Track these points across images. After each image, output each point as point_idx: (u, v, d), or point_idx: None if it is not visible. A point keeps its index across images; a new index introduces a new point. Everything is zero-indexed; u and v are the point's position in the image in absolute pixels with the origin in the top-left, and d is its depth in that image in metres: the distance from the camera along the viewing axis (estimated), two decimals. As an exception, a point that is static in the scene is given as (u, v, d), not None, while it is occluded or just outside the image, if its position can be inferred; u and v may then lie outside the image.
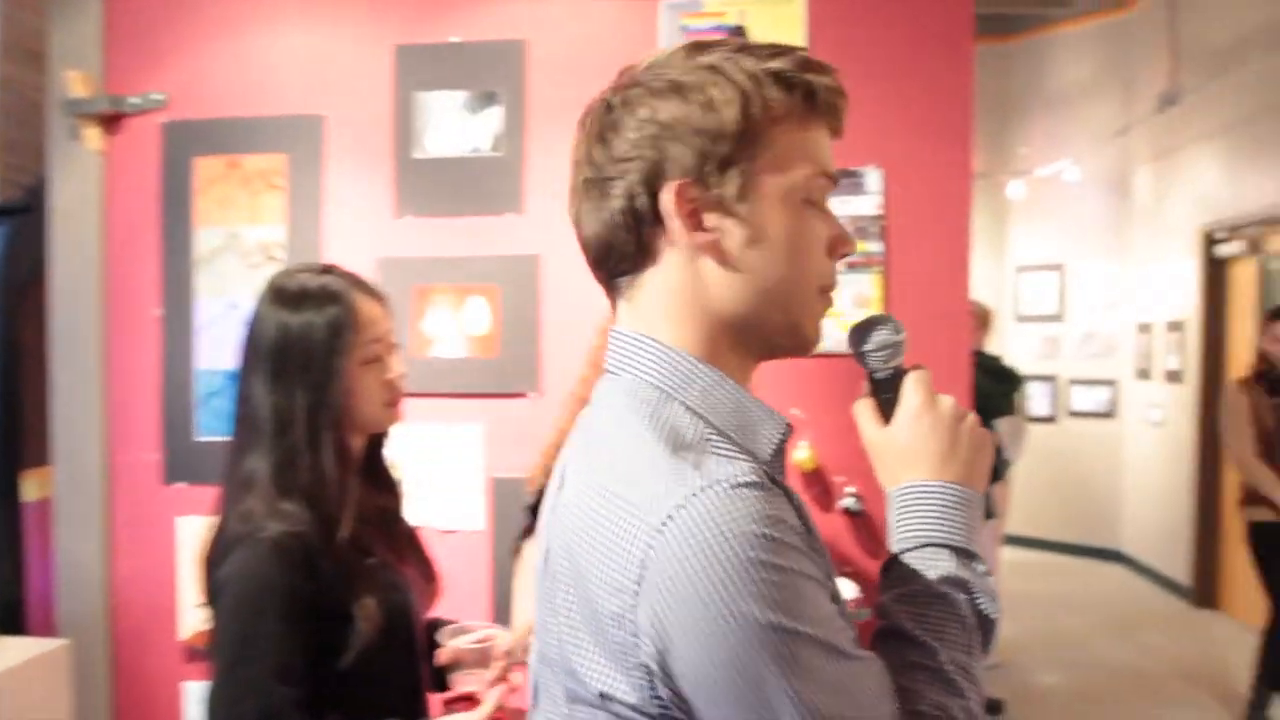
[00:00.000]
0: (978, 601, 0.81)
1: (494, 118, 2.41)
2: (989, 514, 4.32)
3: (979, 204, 7.58)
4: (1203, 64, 5.40)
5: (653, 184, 0.76)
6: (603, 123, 0.79)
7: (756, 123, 0.76)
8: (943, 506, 0.82)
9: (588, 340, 1.98)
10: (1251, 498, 3.86)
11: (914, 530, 0.82)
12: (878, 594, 0.83)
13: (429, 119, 2.43)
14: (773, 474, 0.77)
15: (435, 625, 1.59)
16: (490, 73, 2.41)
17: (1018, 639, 5.16)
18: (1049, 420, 7.09)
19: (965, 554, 0.81)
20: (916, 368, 0.87)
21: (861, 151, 2.33)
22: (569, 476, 0.80)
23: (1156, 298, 6.27)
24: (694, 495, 0.68)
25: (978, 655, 0.79)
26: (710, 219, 0.76)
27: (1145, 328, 6.44)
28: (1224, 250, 5.55)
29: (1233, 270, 5.65)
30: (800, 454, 2.31)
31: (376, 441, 1.57)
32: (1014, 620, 5.47)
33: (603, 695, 0.71)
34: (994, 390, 4.11)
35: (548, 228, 2.41)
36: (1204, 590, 5.69)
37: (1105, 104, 6.74)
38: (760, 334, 0.80)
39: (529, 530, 1.85)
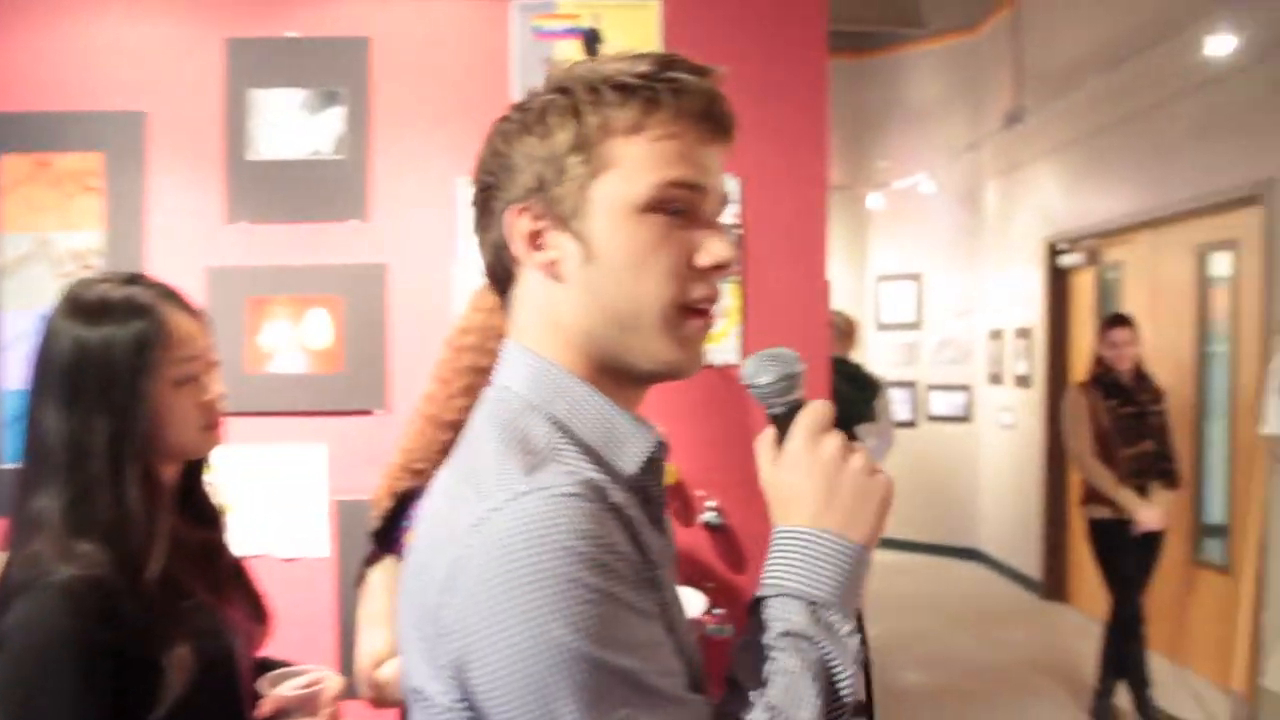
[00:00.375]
0: (830, 664, 0.73)
1: (336, 118, 2.28)
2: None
3: (840, 215, 7.78)
4: (1044, 85, 5.68)
5: (495, 206, 0.78)
6: (483, 149, 0.81)
7: (589, 138, 0.74)
8: (809, 556, 0.75)
9: (437, 354, 1.88)
10: (1091, 496, 4.06)
11: (776, 577, 0.76)
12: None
13: (264, 118, 2.28)
14: (647, 486, 0.77)
15: (266, 667, 1.46)
16: (331, 71, 2.28)
17: (881, 639, 5.27)
18: (909, 425, 7.31)
19: (826, 609, 0.74)
20: (811, 403, 0.81)
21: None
22: (434, 487, 0.79)
23: (1006, 306, 6.55)
24: (512, 500, 0.66)
25: (813, 715, 0.71)
26: (550, 239, 0.76)
27: (996, 334, 6.72)
28: (1066, 261, 5.84)
29: (1074, 279, 5.95)
30: (661, 467, 2.26)
31: (194, 469, 1.43)
32: (877, 621, 5.60)
33: (416, 690, 0.70)
34: (855, 397, 4.18)
35: (395, 235, 2.29)
36: (1053, 585, 5.96)
37: (957, 120, 7.01)
38: (615, 355, 0.77)
39: (374, 557, 1.73)
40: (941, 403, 7.23)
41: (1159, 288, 5.03)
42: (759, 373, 0.82)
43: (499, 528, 0.64)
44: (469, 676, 0.65)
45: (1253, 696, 3.97)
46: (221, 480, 1.48)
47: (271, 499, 2.26)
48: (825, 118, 2.38)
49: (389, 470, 1.79)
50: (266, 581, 1.53)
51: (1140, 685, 4.10)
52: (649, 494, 0.79)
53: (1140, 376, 4.08)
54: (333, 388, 2.26)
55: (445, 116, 2.31)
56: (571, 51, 2.32)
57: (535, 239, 0.76)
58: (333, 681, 1.43)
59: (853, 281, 7.52)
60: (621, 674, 0.63)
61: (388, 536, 1.67)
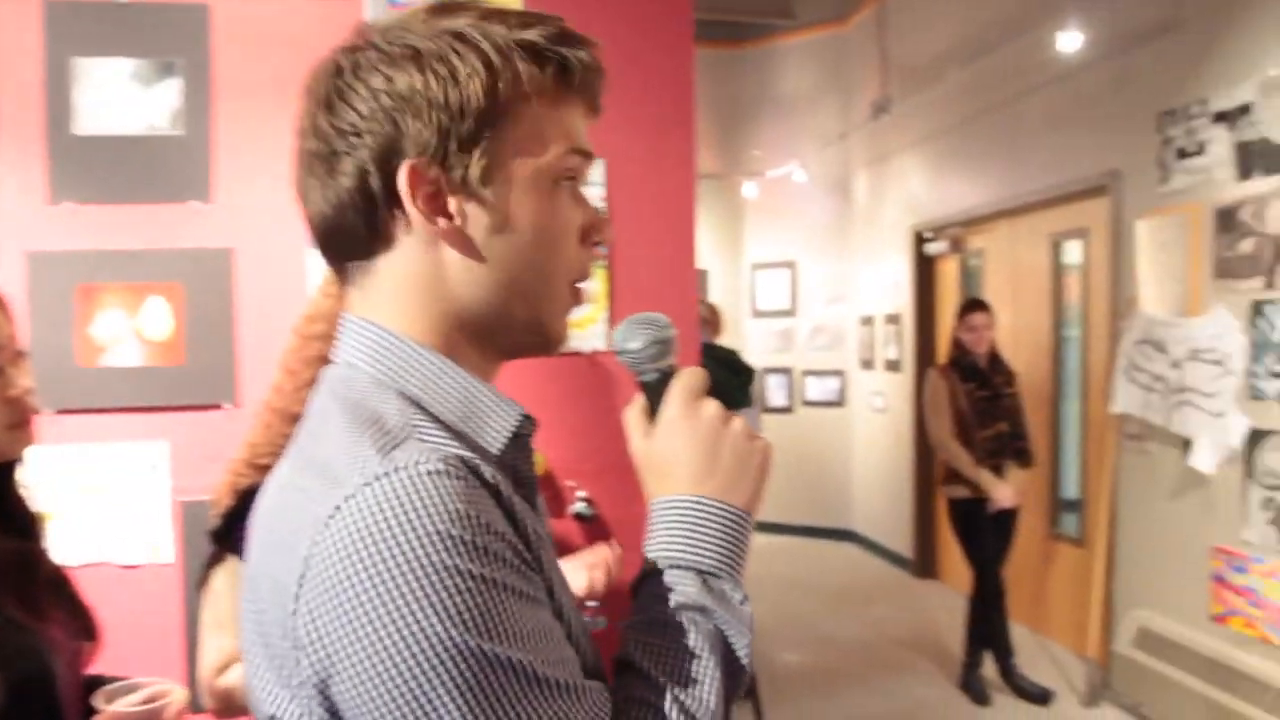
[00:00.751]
0: (725, 631, 0.71)
1: (172, 91, 2.12)
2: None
3: (716, 204, 7.84)
4: (909, 78, 5.84)
5: (388, 162, 0.67)
6: (330, 88, 0.69)
7: (504, 98, 0.68)
8: (694, 524, 0.73)
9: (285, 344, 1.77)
10: (950, 477, 4.22)
11: (661, 549, 0.73)
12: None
13: (90, 90, 2.10)
14: (516, 465, 0.71)
15: (96, 684, 1.34)
16: (167, 40, 2.12)
17: (760, 621, 5.34)
18: (786, 410, 7.44)
19: (715, 577, 0.72)
20: (687, 370, 0.78)
21: (584, 140, 2.25)
22: (269, 484, 0.70)
23: (876, 292, 6.73)
24: (368, 484, 0.58)
25: (714, 690, 0.68)
26: (452, 203, 0.69)
27: (867, 320, 6.89)
28: (931, 248, 6.03)
29: (939, 266, 6.15)
30: (530, 457, 2.20)
31: (3, 472, 1.30)
32: (756, 603, 5.67)
33: (271, 719, 0.62)
34: (730, 382, 4.20)
35: (242, 218, 2.15)
36: (924, 563, 6.17)
37: (827, 111, 7.15)
38: (504, 330, 0.72)
39: (215, 558, 1.62)
40: (816, 388, 7.39)
41: (1018, 274, 5.25)
42: (630, 338, 0.79)
43: (355, 517, 0.57)
44: (334, 692, 0.58)
45: (1106, 661, 4.19)
46: (38, 483, 1.35)
47: (109, 502, 2.09)
48: (692, 98, 2.35)
49: (232, 466, 1.68)
50: (105, 591, 1.41)
51: (1004, 655, 4.28)
52: (519, 474, 0.73)
53: (994, 360, 4.26)
54: (173, 381, 2.11)
55: (294, 91, 2.17)
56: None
57: (434, 202, 0.68)
58: (177, 695, 1.33)
59: (729, 269, 7.60)
60: (509, 666, 0.57)
61: (230, 536, 1.56)
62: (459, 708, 0.56)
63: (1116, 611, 4.21)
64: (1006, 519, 4.20)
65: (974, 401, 4.16)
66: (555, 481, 2.24)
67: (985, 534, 4.20)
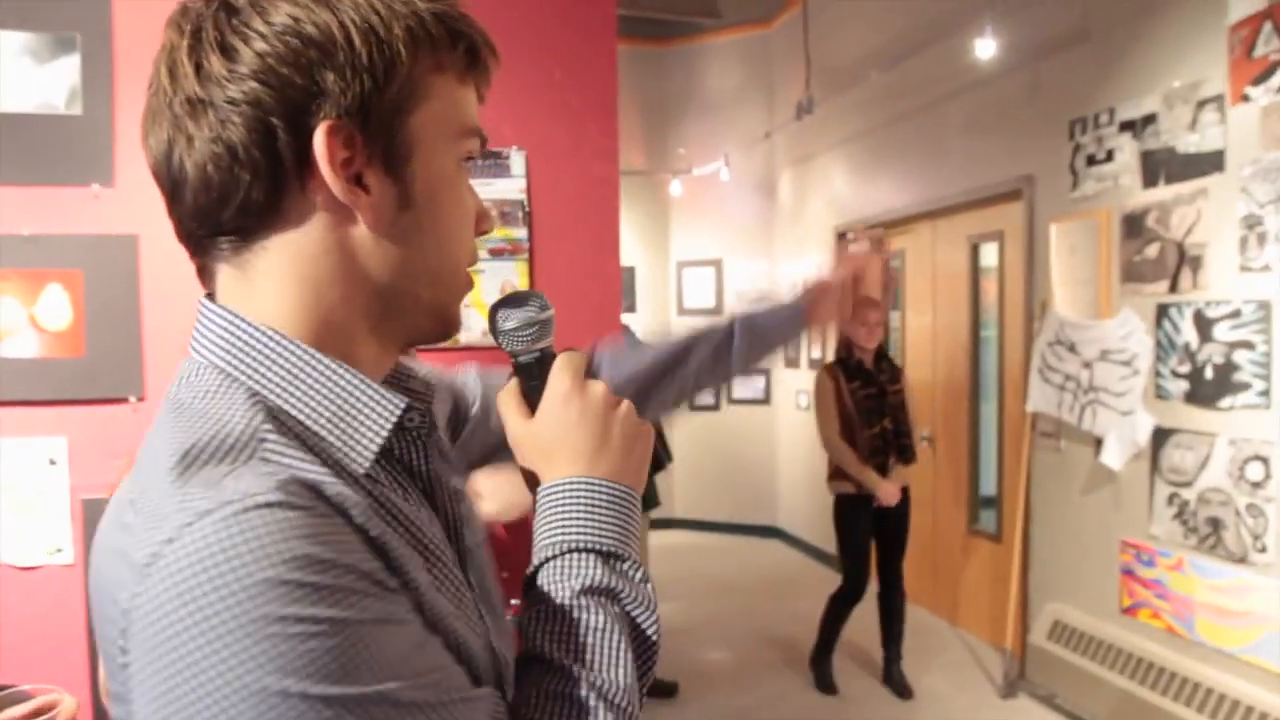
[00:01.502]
0: (632, 612, 0.68)
1: (69, 68, 2.02)
2: (652, 502, 4.42)
3: (642, 201, 7.79)
4: (832, 79, 5.92)
5: (300, 118, 0.59)
6: (221, 24, 0.59)
7: (424, 68, 0.63)
8: (590, 505, 0.70)
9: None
10: (835, 474, 4.31)
11: (557, 534, 0.69)
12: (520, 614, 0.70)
13: (-20, 66, 1.99)
14: (407, 460, 0.67)
15: None
16: (64, 12, 2.02)
17: (688, 620, 5.35)
18: (713, 409, 7.48)
19: (618, 559, 0.69)
20: (568, 350, 0.75)
21: (504, 131, 2.21)
22: (107, 509, 0.62)
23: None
24: (189, 525, 0.50)
25: (630, 676, 0.66)
26: (369, 175, 0.62)
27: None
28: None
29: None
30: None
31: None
32: (684, 600, 5.69)
33: None
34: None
35: (147, 202, 2.05)
36: (845, 558, 6.25)
37: (752, 110, 7.21)
38: (408, 314, 0.67)
39: None
40: (742, 386, 7.44)
41: (938, 275, 5.35)
42: (506, 318, 0.75)
43: (173, 566, 0.49)
44: None
45: (1022, 653, 4.30)
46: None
47: (4, 500, 1.98)
48: (614, 90, 2.33)
49: (128, 463, 1.58)
50: (2, 594, 1.32)
51: (895, 651, 4.36)
52: (411, 468, 0.69)
53: (880, 357, 4.34)
54: (73, 373, 2.01)
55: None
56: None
57: (348, 170, 0.61)
58: (66, 704, 1.26)
59: (655, 267, 7.60)
60: (368, 701, 0.51)
61: None
62: None
63: (1032, 604, 4.32)
64: (896, 515, 4.29)
65: (859, 400, 4.23)
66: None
67: (864, 530, 4.31)
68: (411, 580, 0.59)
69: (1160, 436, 3.55)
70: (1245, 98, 3.18)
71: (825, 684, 4.33)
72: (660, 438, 4.53)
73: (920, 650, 4.59)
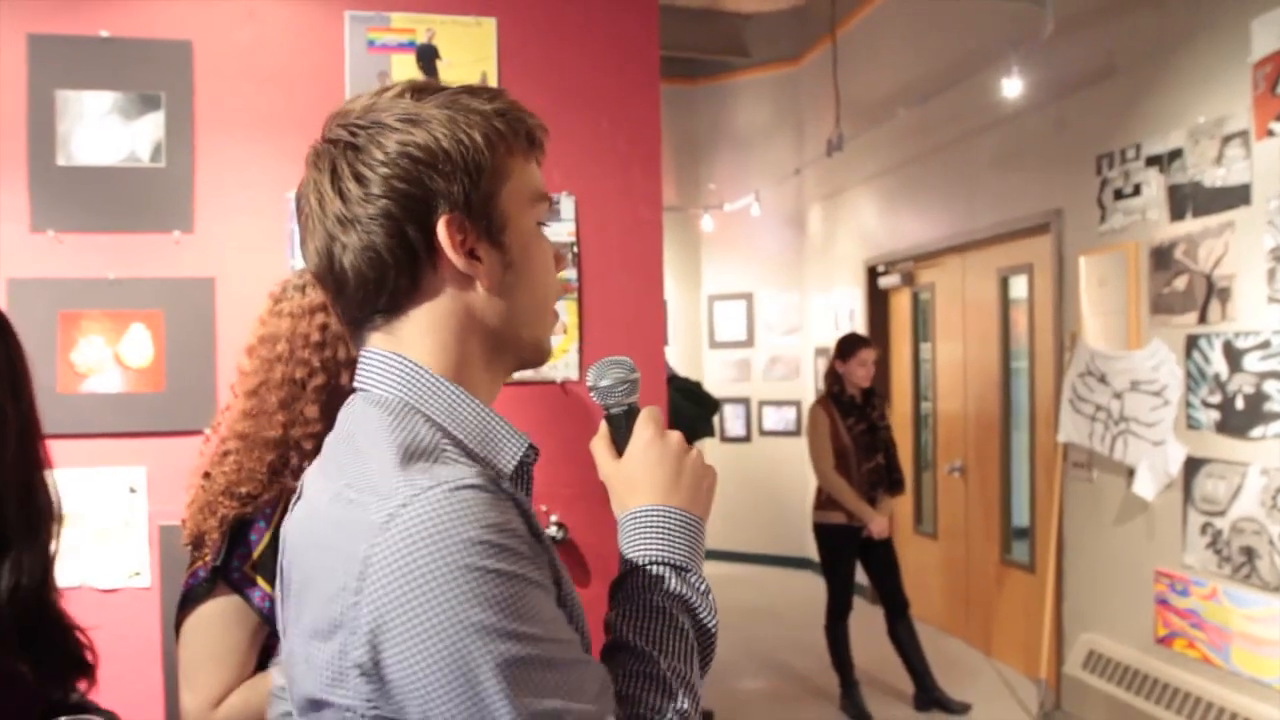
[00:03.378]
0: (699, 615, 0.86)
1: (154, 124, 2.17)
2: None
3: (674, 236, 7.89)
4: (861, 116, 6.04)
5: (424, 219, 0.78)
6: (350, 159, 0.78)
7: (500, 157, 0.80)
8: (666, 529, 0.87)
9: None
10: (824, 503, 4.40)
11: (639, 550, 0.87)
12: (608, 611, 0.87)
13: (72, 122, 2.14)
14: (511, 488, 0.80)
15: (57, 711, 1.34)
16: (150, 74, 2.17)
17: (723, 651, 5.34)
18: (744, 440, 7.54)
19: (687, 571, 0.87)
20: (648, 407, 0.93)
21: (554, 178, 2.33)
22: (306, 488, 0.82)
23: (831, 324, 6.88)
24: (417, 495, 0.69)
25: (695, 663, 0.84)
26: (480, 249, 0.80)
27: (823, 351, 7.03)
28: (884, 282, 6.20)
29: (892, 299, 6.33)
30: (504, 482, 2.26)
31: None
32: (719, 631, 5.73)
33: (313, 703, 0.72)
34: (694, 414, 4.30)
35: (223, 248, 2.20)
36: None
37: (782, 146, 7.34)
38: (513, 350, 0.85)
39: (208, 591, 1.60)
40: (773, 418, 7.50)
41: (967, 308, 5.42)
42: (603, 376, 0.93)
43: (408, 523, 0.68)
44: (386, 670, 0.68)
45: (1056, 682, 4.31)
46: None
47: (88, 526, 2.11)
48: (657, 136, 2.45)
49: (202, 496, 1.64)
50: (83, 616, 1.41)
51: (921, 674, 4.44)
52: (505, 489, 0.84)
53: (868, 393, 4.44)
54: (153, 407, 2.14)
55: (275, 126, 2.24)
56: (407, 67, 2.30)
57: (465, 248, 0.79)
58: None
59: (687, 301, 7.71)
60: (532, 643, 0.69)
61: (227, 569, 1.56)
62: (495, 677, 0.67)
63: (1066, 635, 4.34)
64: (880, 544, 4.39)
65: (855, 435, 4.35)
66: (529, 506, 2.30)
67: (852, 558, 4.43)
68: (552, 559, 0.77)
69: (1192, 466, 3.59)
70: (1270, 133, 3.25)
71: (858, 713, 4.37)
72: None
73: (955, 681, 4.61)
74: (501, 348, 0.84)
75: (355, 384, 0.84)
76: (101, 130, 2.14)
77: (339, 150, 0.79)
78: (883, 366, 6.32)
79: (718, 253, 7.71)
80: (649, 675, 0.80)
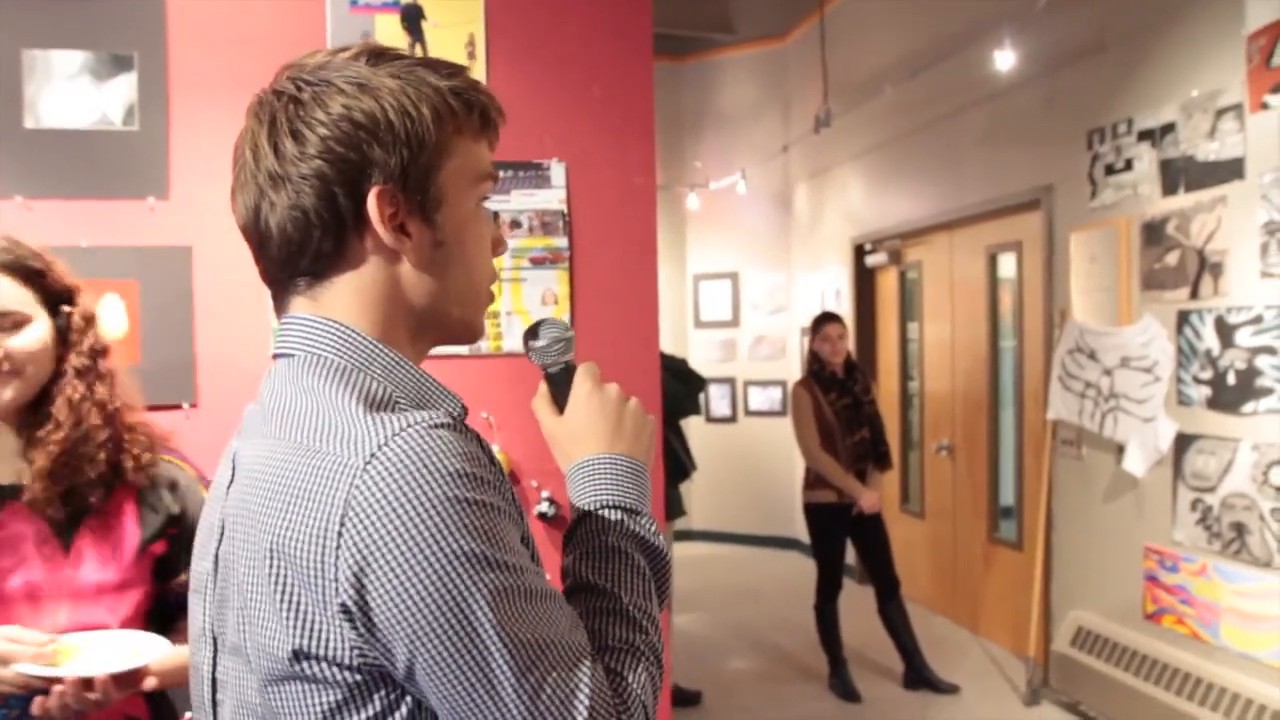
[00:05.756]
0: (653, 553, 0.88)
1: (127, 85, 2.08)
2: (677, 512, 4.47)
3: (660, 214, 7.84)
4: (848, 92, 5.98)
5: (356, 186, 0.77)
6: (290, 114, 0.78)
7: (447, 134, 0.80)
8: (613, 475, 0.90)
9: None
10: (814, 483, 4.39)
11: (590, 496, 0.89)
12: (563, 558, 0.89)
13: (40, 83, 2.05)
14: None
15: None
16: (121, 33, 2.08)
17: (711, 631, 5.38)
18: (730, 420, 7.51)
19: (638, 514, 0.89)
20: (585, 364, 0.95)
21: (546, 144, 2.26)
22: (241, 462, 0.80)
23: (817, 303, 6.85)
24: (396, 434, 0.70)
25: (655, 600, 0.86)
26: (410, 224, 0.79)
27: (808, 331, 7.00)
28: (871, 260, 6.17)
29: (879, 278, 6.29)
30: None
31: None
32: (706, 611, 5.71)
33: (297, 654, 0.71)
34: (681, 392, 4.25)
35: (201, 215, 2.12)
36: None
37: (768, 124, 7.28)
38: (441, 327, 0.85)
39: None
40: (759, 398, 7.47)
41: (955, 286, 5.39)
42: (537, 336, 0.95)
43: (390, 460, 0.69)
44: (373, 608, 0.68)
45: (1045, 660, 4.31)
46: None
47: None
48: (650, 103, 2.39)
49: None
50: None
51: (910, 653, 4.42)
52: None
53: (851, 368, 4.43)
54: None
55: (254, 88, 2.14)
56: (392, 28, 2.22)
57: (394, 222, 0.79)
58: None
59: (672, 280, 7.65)
60: (514, 573, 0.71)
61: None
62: (484, 605, 0.69)
63: (1055, 612, 4.34)
64: (871, 521, 4.38)
65: (837, 410, 4.33)
66: (519, 480, 2.24)
67: (842, 537, 4.42)
68: (510, 492, 0.78)
69: (1182, 442, 3.58)
70: (1264, 105, 3.22)
71: (847, 692, 4.36)
72: (683, 447, 4.58)
73: (943, 660, 4.60)
74: (428, 323, 0.85)
75: (280, 349, 0.82)
76: (71, 92, 2.05)
77: (282, 103, 0.78)
78: (869, 346, 6.30)
79: (703, 231, 7.65)
80: (613, 611, 0.82)
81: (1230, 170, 3.36)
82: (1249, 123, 3.28)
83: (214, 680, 0.82)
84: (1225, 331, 3.39)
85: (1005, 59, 4.16)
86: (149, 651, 1.32)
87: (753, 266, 7.49)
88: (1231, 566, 3.37)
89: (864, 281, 6.33)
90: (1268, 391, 3.22)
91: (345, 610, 0.69)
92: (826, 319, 4.53)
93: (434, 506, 0.68)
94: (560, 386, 0.94)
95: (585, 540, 0.87)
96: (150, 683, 1.31)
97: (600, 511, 0.88)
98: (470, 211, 0.84)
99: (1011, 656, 4.75)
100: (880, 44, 5.82)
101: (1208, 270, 3.47)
